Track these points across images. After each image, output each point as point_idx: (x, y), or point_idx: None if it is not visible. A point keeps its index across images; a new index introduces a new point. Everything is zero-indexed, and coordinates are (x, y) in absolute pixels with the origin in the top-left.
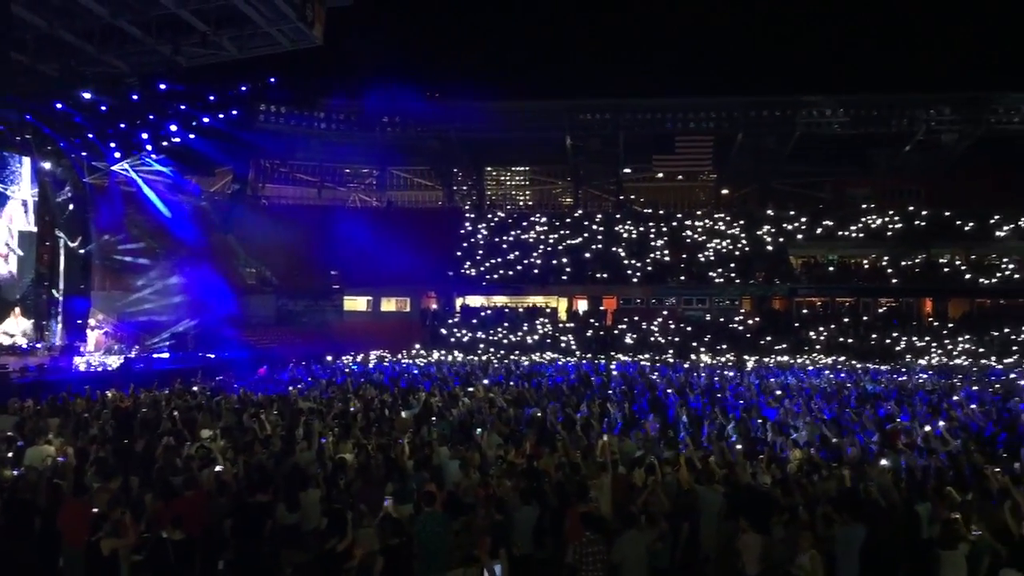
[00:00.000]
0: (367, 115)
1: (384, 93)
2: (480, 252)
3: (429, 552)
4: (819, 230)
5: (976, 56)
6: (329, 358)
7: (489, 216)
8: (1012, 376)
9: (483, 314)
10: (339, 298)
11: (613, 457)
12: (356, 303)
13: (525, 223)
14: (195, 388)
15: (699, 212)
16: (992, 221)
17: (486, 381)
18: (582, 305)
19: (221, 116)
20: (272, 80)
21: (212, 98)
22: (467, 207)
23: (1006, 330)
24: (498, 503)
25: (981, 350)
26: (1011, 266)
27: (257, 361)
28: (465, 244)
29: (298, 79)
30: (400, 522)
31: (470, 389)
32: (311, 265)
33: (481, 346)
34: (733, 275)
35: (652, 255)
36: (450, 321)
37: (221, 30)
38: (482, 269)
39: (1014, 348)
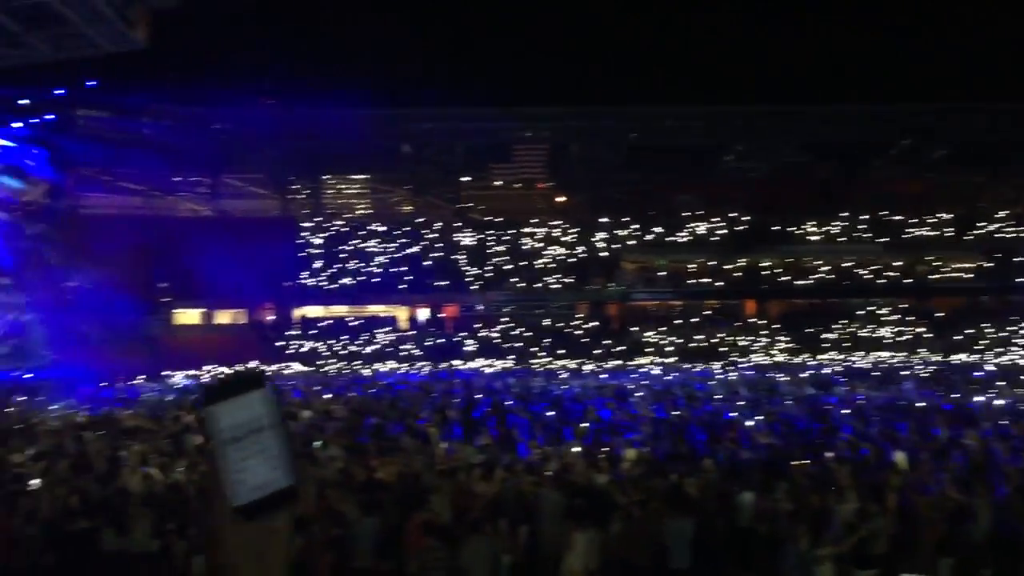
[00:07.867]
0: (198, 121)
1: (216, 98)
2: (318, 262)
3: None
4: (649, 237)
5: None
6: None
7: (327, 225)
8: (826, 371)
9: (322, 325)
10: (168, 312)
11: (454, 464)
12: (188, 316)
13: (363, 232)
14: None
15: (535, 220)
16: (804, 227)
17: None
18: (423, 313)
19: (35, 121)
20: (91, 83)
21: (24, 101)
22: (303, 215)
23: (819, 328)
24: (337, 517)
25: (798, 347)
26: (823, 268)
27: (77, 379)
28: (302, 254)
29: (121, 82)
30: None
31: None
32: (137, 278)
33: (321, 358)
34: (570, 280)
35: (491, 262)
36: (288, 333)
37: (34, 30)
38: (321, 279)
39: (825, 345)
